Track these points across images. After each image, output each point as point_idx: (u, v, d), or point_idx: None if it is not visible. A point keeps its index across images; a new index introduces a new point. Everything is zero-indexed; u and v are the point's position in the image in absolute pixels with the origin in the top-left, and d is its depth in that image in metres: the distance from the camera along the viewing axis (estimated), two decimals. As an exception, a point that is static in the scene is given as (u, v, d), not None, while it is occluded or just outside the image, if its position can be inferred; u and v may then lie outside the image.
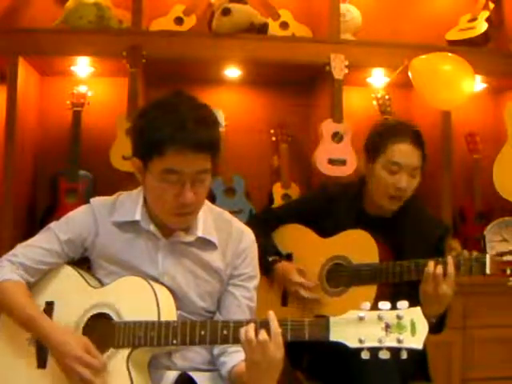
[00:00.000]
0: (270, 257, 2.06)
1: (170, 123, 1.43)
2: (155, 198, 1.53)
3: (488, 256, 1.81)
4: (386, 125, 2.19)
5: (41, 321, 1.51)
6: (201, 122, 1.45)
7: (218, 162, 1.55)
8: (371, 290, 1.92)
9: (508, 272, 1.79)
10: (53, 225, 1.65)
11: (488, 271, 1.80)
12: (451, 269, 1.78)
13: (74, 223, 1.63)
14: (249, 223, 1.74)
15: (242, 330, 1.39)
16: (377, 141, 2.02)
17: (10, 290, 1.54)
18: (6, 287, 1.55)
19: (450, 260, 1.79)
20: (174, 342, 1.46)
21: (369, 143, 2.06)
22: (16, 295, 1.54)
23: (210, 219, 1.64)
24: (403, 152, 1.96)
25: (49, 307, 1.58)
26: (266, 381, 1.42)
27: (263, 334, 1.37)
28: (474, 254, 1.85)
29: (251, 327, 1.38)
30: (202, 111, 1.49)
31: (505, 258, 1.79)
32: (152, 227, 1.59)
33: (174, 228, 1.58)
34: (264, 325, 1.39)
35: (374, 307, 1.36)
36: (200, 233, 1.60)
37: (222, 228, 1.65)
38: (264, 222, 2.17)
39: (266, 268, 2.02)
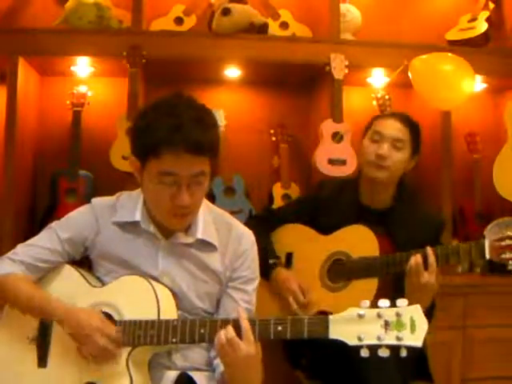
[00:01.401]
0: (270, 259, 2.07)
1: (166, 125, 1.42)
2: (152, 198, 1.53)
3: (487, 241, 1.83)
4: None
5: (53, 302, 1.53)
6: (198, 124, 1.44)
7: (217, 162, 1.55)
8: (372, 283, 1.93)
9: (507, 256, 1.79)
10: (54, 224, 1.66)
11: (488, 256, 1.81)
12: (432, 259, 1.82)
13: (75, 222, 1.64)
14: (248, 224, 1.74)
15: (216, 337, 1.40)
16: (370, 121, 2.14)
17: (14, 281, 1.56)
18: (9, 279, 1.56)
19: (429, 251, 1.83)
20: (174, 340, 1.46)
21: (365, 126, 2.16)
22: (22, 285, 1.55)
23: (210, 220, 1.64)
24: (386, 124, 2.06)
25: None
26: (247, 380, 1.44)
27: (231, 334, 1.38)
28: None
29: (221, 332, 1.40)
30: (200, 113, 1.48)
31: (503, 243, 1.80)
32: (152, 228, 1.59)
33: (173, 229, 1.58)
34: (237, 324, 1.41)
35: (376, 300, 1.36)
36: (200, 234, 1.60)
37: (221, 230, 1.65)
38: (264, 222, 2.17)
39: (265, 272, 2.02)
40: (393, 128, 2.04)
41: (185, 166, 1.44)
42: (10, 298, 1.57)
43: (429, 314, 1.90)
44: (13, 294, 1.55)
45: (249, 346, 1.38)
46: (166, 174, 1.45)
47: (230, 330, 1.39)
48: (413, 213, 2.06)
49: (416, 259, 1.83)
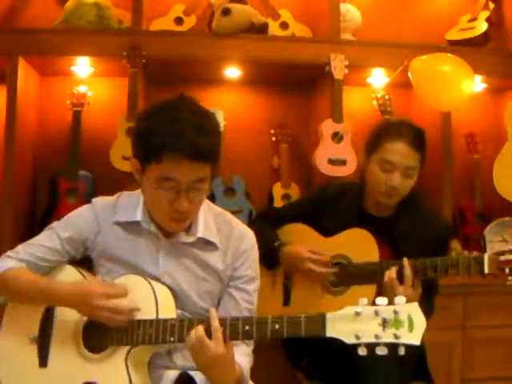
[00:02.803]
0: (275, 242, 2.06)
1: (169, 130, 1.42)
2: (151, 201, 1.54)
3: (486, 255, 1.81)
4: (388, 123, 2.20)
5: (55, 285, 1.55)
6: (200, 131, 1.44)
7: (217, 166, 1.55)
8: (371, 289, 1.92)
9: (507, 271, 1.78)
10: (54, 224, 1.66)
11: (486, 270, 1.80)
12: (407, 272, 1.81)
13: (75, 222, 1.64)
14: (252, 222, 1.74)
15: (187, 337, 1.42)
16: (376, 137, 2.03)
17: (17, 273, 1.56)
18: (12, 272, 1.57)
19: (405, 263, 1.83)
20: (172, 339, 1.47)
21: (369, 139, 2.07)
22: (24, 276, 1.56)
23: (210, 220, 1.64)
24: (398, 152, 1.96)
25: (50, 305, 1.58)
26: (219, 379, 1.46)
27: (200, 334, 1.40)
28: (474, 253, 1.85)
29: (192, 332, 1.41)
30: (202, 119, 1.48)
31: (502, 258, 1.79)
32: (153, 227, 1.59)
33: (171, 231, 1.58)
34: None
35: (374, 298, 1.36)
36: (200, 233, 1.60)
37: (222, 229, 1.65)
38: (266, 221, 2.17)
39: (273, 256, 2.03)
40: (406, 157, 1.95)
41: (185, 173, 1.44)
42: (10, 290, 1.57)
43: None
44: (13, 285, 1.55)
45: (217, 346, 1.39)
46: (166, 180, 1.45)
47: (200, 329, 1.41)
48: (417, 219, 2.03)
49: (389, 274, 1.83)
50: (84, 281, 1.55)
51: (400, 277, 1.83)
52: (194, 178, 1.46)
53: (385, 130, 2.03)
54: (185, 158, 1.41)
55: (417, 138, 1.99)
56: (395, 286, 1.80)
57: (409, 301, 1.73)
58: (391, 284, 1.82)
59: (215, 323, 1.41)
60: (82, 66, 2.77)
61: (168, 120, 1.44)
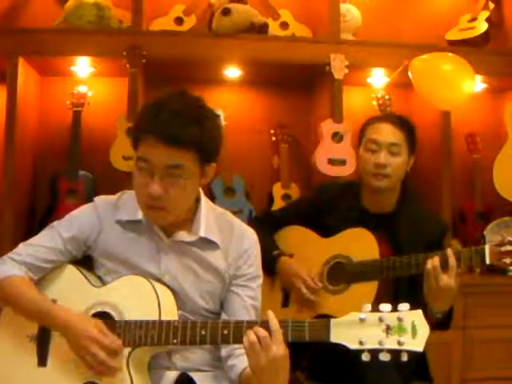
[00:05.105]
0: (274, 251, 2.06)
1: (149, 114, 1.48)
2: (133, 187, 1.55)
3: (487, 246, 1.82)
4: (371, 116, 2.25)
5: (54, 311, 1.51)
6: (178, 117, 1.44)
7: (215, 163, 1.55)
8: (372, 287, 1.92)
9: (508, 262, 1.79)
10: (56, 223, 1.65)
11: (488, 261, 1.81)
12: (452, 261, 1.79)
13: (77, 221, 1.63)
14: (249, 225, 1.73)
15: (245, 337, 1.38)
16: (362, 127, 2.10)
17: (16, 284, 1.54)
18: (12, 281, 1.55)
19: (449, 252, 1.80)
20: (175, 341, 1.46)
21: (359, 133, 2.13)
22: (23, 289, 1.54)
23: (212, 219, 1.64)
24: (380, 129, 2.02)
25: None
26: (276, 380, 1.40)
27: (263, 334, 1.36)
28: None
29: (250, 332, 1.38)
30: (191, 108, 1.49)
31: (503, 249, 1.79)
32: (155, 227, 1.59)
33: (153, 222, 1.58)
34: (263, 325, 1.39)
35: (375, 305, 1.36)
36: (202, 233, 1.60)
37: (224, 228, 1.65)
38: (264, 224, 2.17)
39: (270, 264, 2.02)
40: (388, 133, 2.00)
41: (157, 155, 1.45)
42: (12, 301, 1.56)
43: (448, 317, 1.90)
44: (16, 299, 1.54)
45: (278, 347, 1.37)
46: (141, 160, 1.48)
47: (262, 329, 1.37)
48: (415, 217, 2.03)
49: (433, 262, 1.79)
50: (86, 318, 1.52)
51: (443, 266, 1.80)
52: (168, 162, 1.45)
53: (368, 120, 2.11)
54: (158, 140, 1.43)
55: (399, 119, 2.05)
56: (439, 275, 1.77)
57: (450, 291, 1.77)
58: (435, 272, 1.78)
59: (275, 324, 1.38)
60: (82, 65, 2.77)
61: (152, 106, 1.50)
